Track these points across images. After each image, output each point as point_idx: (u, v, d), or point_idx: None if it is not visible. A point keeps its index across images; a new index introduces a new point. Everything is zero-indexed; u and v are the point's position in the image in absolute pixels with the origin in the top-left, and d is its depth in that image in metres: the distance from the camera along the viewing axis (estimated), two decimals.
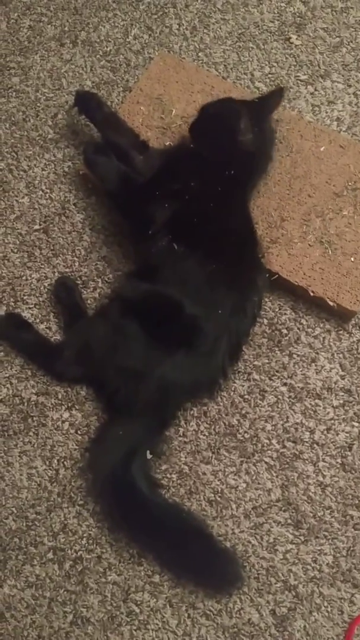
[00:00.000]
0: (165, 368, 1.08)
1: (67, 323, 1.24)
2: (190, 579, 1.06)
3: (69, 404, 1.19)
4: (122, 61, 1.48)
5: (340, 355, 1.21)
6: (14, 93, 1.46)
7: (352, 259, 1.22)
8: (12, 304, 1.27)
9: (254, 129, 1.20)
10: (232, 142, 1.19)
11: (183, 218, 1.14)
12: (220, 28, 1.51)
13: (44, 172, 1.37)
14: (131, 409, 1.11)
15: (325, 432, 1.15)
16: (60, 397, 1.20)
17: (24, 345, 1.23)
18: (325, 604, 1.06)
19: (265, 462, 1.14)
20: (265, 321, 1.24)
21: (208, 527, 1.09)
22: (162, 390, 1.09)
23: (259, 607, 1.06)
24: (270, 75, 1.45)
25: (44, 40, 1.53)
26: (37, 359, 1.22)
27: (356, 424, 1.16)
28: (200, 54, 1.48)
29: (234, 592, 1.06)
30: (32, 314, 1.26)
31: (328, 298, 1.19)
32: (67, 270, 1.29)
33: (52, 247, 1.31)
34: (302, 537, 1.10)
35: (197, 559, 1.06)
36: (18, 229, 1.33)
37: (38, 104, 1.44)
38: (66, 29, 1.54)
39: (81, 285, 1.28)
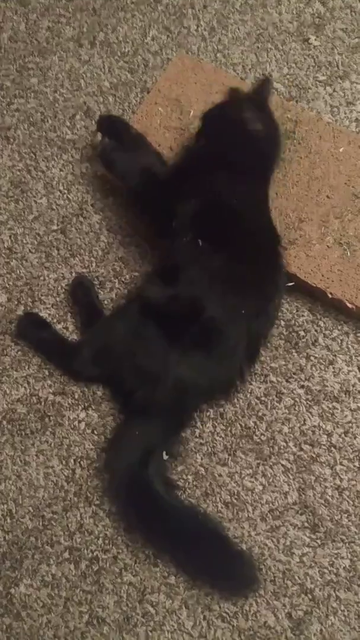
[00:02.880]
0: (183, 369, 1.08)
1: (84, 323, 1.24)
2: (205, 580, 1.06)
3: (86, 404, 1.20)
4: (140, 62, 1.48)
5: (359, 358, 1.20)
6: (33, 94, 1.47)
7: None
8: (30, 303, 1.27)
9: (260, 118, 1.21)
10: (243, 133, 1.20)
11: (206, 214, 1.14)
12: (238, 29, 1.50)
13: (61, 172, 1.38)
14: (148, 409, 1.11)
15: (342, 435, 1.15)
16: (77, 397, 1.20)
17: (42, 344, 1.23)
18: (342, 607, 1.06)
19: (282, 465, 1.13)
20: (283, 323, 1.23)
21: (224, 529, 1.09)
22: (179, 391, 1.09)
23: (275, 610, 1.06)
24: (288, 76, 1.44)
25: (62, 41, 1.54)
26: (54, 358, 1.22)
27: None
28: (218, 55, 1.47)
29: (249, 594, 1.06)
30: (49, 314, 1.26)
31: (346, 300, 1.19)
32: (84, 270, 1.30)
33: (69, 248, 1.32)
34: (319, 541, 1.09)
35: (212, 561, 1.06)
36: (36, 229, 1.33)
37: (56, 105, 1.45)
38: (84, 30, 1.55)
39: (98, 286, 1.28)
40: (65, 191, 1.36)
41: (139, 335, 1.11)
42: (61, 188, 1.37)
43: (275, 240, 1.18)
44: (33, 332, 1.24)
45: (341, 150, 1.30)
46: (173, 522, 1.06)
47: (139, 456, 1.09)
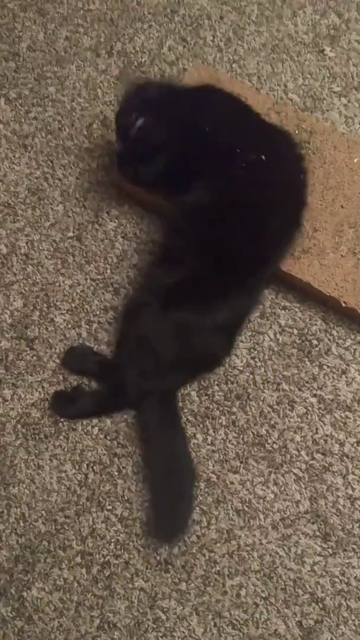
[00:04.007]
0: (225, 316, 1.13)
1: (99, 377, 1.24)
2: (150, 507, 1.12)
3: None
4: (157, 72, 1.50)
5: None
6: (50, 102, 1.49)
7: None
8: (45, 309, 1.29)
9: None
10: None
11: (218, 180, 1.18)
12: (254, 40, 1.52)
13: (78, 180, 1.39)
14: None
15: (355, 444, 1.15)
16: None
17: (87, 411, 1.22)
18: (353, 617, 1.06)
19: (294, 474, 1.14)
20: (296, 331, 1.24)
21: (193, 483, 1.13)
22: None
23: (286, 618, 1.06)
24: (303, 87, 1.45)
25: (80, 50, 1.56)
26: (108, 409, 1.22)
27: None
28: (234, 66, 1.49)
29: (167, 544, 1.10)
30: (64, 320, 1.28)
31: None
32: (99, 277, 1.31)
33: (84, 255, 1.33)
34: (330, 550, 1.09)
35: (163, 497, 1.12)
36: (52, 236, 1.35)
37: (73, 114, 1.47)
38: (102, 39, 1.57)
39: (112, 293, 1.29)
40: (82, 199, 1.38)
41: (176, 330, 1.13)
42: (77, 196, 1.38)
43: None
44: (69, 408, 1.22)
45: (355, 160, 1.31)
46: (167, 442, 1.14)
47: None
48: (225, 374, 1.21)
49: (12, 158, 1.43)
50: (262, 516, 1.12)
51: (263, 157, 1.17)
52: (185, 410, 1.19)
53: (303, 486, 1.13)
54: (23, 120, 1.47)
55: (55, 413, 1.20)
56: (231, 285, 1.13)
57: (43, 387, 1.23)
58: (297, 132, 1.33)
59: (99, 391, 1.23)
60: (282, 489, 1.13)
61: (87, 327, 1.27)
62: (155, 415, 1.16)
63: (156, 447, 1.15)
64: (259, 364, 1.22)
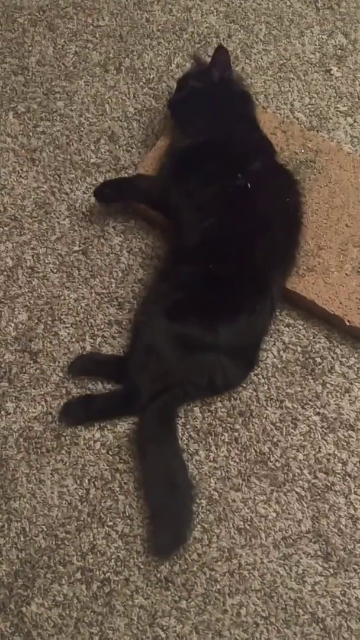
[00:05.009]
0: (233, 338, 1.14)
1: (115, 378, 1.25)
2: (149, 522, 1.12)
3: (101, 424, 1.20)
4: (165, 89, 1.51)
5: None
6: (59, 117, 1.51)
7: None
8: (50, 322, 1.29)
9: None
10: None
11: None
12: (261, 58, 1.53)
13: (85, 195, 1.40)
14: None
15: (358, 464, 1.15)
16: None
17: (98, 413, 1.22)
18: (354, 638, 1.05)
19: (296, 492, 1.13)
20: (299, 349, 1.24)
21: (194, 497, 1.13)
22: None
23: (286, 638, 1.05)
24: (310, 106, 1.47)
25: (89, 66, 1.58)
26: (118, 414, 1.22)
27: None
28: None
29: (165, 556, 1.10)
30: (68, 333, 1.28)
31: None
32: (104, 291, 1.31)
33: (90, 269, 1.34)
34: (331, 570, 1.08)
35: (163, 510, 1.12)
36: (58, 249, 1.36)
37: (81, 129, 1.48)
38: (111, 55, 1.58)
39: (117, 307, 1.30)
40: (88, 213, 1.39)
41: (183, 339, 1.14)
42: (84, 210, 1.39)
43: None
44: (81, 411, 1.22)
45: None
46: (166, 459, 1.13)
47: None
48: (229, 391, 1.21)
49: (20, 172, 1.44)
50: (263, 535, 1.11)
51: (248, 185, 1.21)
52: (188, 427, 1.19)
53: (305, 505, 1.13)
54: (31, 134, 1.49)
55: (65, 423, 1.21)
56: (234, 308, 1.14)
57: (46, 401, 1.23)
58: (303, 151, 1.34)
59: (110, 394, 1.23)
60: (284, 507, 1.13)
61: (92, 340, 1.28)
62: (152, 431, 1.17)
63: (153, 463, 1.15)
64: (262, 380, 1.22)
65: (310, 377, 1.22)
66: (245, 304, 1.15)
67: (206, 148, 1.26)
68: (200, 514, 1.13)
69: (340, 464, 1.15)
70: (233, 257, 1.16)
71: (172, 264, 1.26)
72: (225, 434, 1.19)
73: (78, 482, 1.17)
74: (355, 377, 1.21)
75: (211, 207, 1.20)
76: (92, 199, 1.39)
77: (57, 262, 1.35)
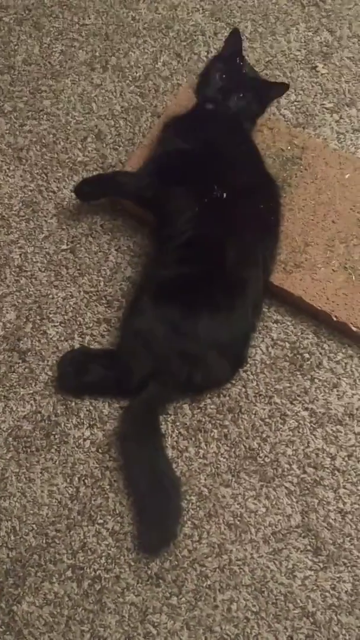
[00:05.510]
0: (214, 332, 1.14)
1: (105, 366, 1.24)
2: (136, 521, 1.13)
3: (91, 422, 1.21)
4: (151, 87, 1.52)
5: None
6: (45, 116, 1.50)
7: None
8: (38, 321, 1.29)
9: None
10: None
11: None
12: (248, 56, 1.53)
13: (72, 193, 1.40)
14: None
15: (346, 458, 1.15)
16: (82, 415, 1.21)
17: (89, 387, 1.23)
18: (344, 632, 1.05)
19: (286, 487, 1.14)
20: (288, 345, 1.24)
21: (178, 496, 1.13)
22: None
23: (277, 632, 1.05)
24: (296, 103, 1.47)
25: (75, 64, 1.57)
26: (108, 393, 1.23)
27: None
28: None
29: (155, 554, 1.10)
30: (57, 332, 1.28)
31: (351, 324, 1.20)
32: (92, 289, 1.31)
33: (78, 267, 1.34)
34: (321, 564, 1.09)
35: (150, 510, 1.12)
36: (46, 248, 1.36)
37: (68, 127, 1.48)
38: (97, 54, 1.58)
39: (105, 305, 1.30)
40: (75, 212, 1.39)
41: (166, 323, 1.14)
42: (71, 208, 1.39)
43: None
44: (74, 380, 1.23)
45: (347, 176, 1.32)
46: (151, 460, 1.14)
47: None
48: (212, 389, 1.22)
49: (7, 171, 1.44)
50: (253, 530, 1.12)
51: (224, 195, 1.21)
52: (178, 424, 1.19)
53: (294, 500, 1.13)
54: (18, 133, 1.48)
55: (62, 386, 1.22)
56: (212, 302, 1.15)
57: (35, 400, 1.23)
58: (289, 147, 1.34)
59: (104, 373, 1.22)
60: (274, 502, 1.13)
61: (80, 339, 1.28)
62: (133, 428, 1.17)
63: (135, 460, 1.16)
64: (251, 377, 1.22)
65: (298, 373, 1.23)
66: (222, 299, 1.15)
67: (193, 155, 1.26)
68: (190, 510, 1.13)
69: (329, 459, 1.16)
70: (207, 256, 1.16)
71: (159, 250, 1.28)
72: (215, 431, 1.19)
73: (68, 480, 1.17)
74: (342, 372, 1.22)
75: (188, 210, 1.21)
76: None
77: (45, 261, 1.35)
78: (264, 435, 1.18)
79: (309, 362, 1.23)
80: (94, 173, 1.42)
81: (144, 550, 1.10)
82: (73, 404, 1.22)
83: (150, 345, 1.15)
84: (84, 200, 1.36)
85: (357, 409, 1.19)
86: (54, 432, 1.20)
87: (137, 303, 1.21)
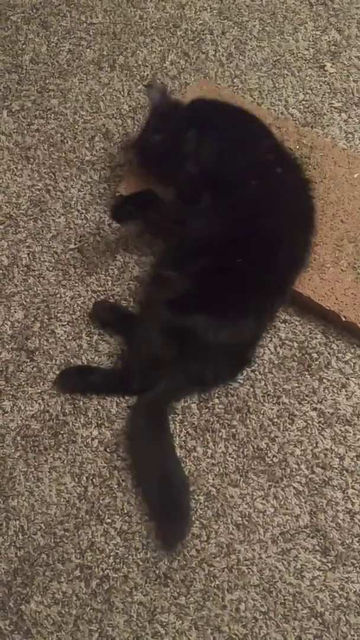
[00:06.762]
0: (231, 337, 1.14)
1: (123, 334, 1.26)
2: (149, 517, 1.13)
3: (99, 422, 1.21)
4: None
5: None
6: (53, 115, 1.50)
7: None
8: (46, 320, 1.29)
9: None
10: None
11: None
12: (255, 55, 1.53)
13: (80, 193, 1.40)
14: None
15: (355, 459, 1.15)
16: (90, 414, 1.21)
17: (94, 388, 1.24)
18: (352, 632, 1.05)
19: (294, 488, 1.14)
20: (296, 345, 1.24)
21: (188, 491, 1.13)
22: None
23: (285, 633, 1.05)
24: (304, 102, 1.47)
25: (83, 63, 1.57)
26: (112, 393, 1.23)
27: None
28: (235, 80, 1.50)
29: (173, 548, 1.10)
30: (65, 331, 1.28)
31: None
32: (100, 289, 1.31)
33: (86, 266, 1.34)
34: (329, 564, 1.09)
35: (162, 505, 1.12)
36: (54, 247, 1.36)
37: (76, 126, 1.48)
38: (105, 53, 1.58)
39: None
40: (83, 211, 1.39)
41: (177, 334, 1.15)
42: (79, 208, 1.39)
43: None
44: (78, 382, 1.24)
45: (355, 176, 1.32)
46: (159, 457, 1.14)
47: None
48: (226, 387, 1.22)
49: (15, 170, 1.44)
50: (261, 530, 1.11)
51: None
52: (186, 423, 1.19)
53: (303, 500, 1.13)
54: (25, 132, 1.48)
55: (62, 389, 1.23)
56: (244, 309, 1.15)
57: (43, 399, 1.23)
58: (297, 147, 1.34)
59: (109, 371, 1.24)
60: (282, 503, 1.13)
61: (88, 338, 1.28)
62: (141, 426, 1.17)
63: (143, 458, 1.16)
64: (259, 377, 1.22)
65: (307, 373, 1.22)
66: (255, 306, 1.16)
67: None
68: (199, 510, 1.13)
69: (337, 459, 1.15)
70: (255, 257, 1.15)
71: (181, 254, 1.25)
72: (223, 430, 1.19)
73: (76, 479, 1.17)
74: (351, 372, 1.22)
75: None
76: (88, 197, 1.39)
77: (53, 260, 1.35)
78: (272, 435, 1.18)
79: (317, 362, 1.23)
80: (102, 172, 1.42)
81: (161, 547, 1.11)
82: (81, 403, 1.22)
83: (158, 350, 1.16)
84: (123, 222, 1.32)
85: None
86: (62, 431, 1.20)
87: (152, 306, 1.21)
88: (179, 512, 1.11)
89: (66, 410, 1.22)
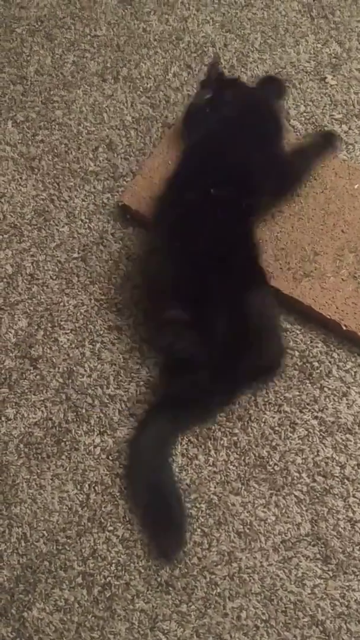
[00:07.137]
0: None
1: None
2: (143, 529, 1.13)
3: (102, 429, 1.21)
4: (162, 98, 1.53)
5: None
6: (57, 126, 1.52)
7: None
8: (50, 328, 1.30)
9: None
10: None
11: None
12: (257, 67, 1.55)
13: (83, 202, 1.42)
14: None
15: (356, 467, 1.16)
16: (92, 422, 1.22)
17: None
18: None
19: (295, 496, 1.14)
20: (297, 353, 1.25)
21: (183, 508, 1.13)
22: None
23: None
24: (305, 114, 1.49)
25: (87, 75, 1.59)
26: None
27: None
28: None
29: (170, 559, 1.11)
30: (68, 339, 1.29)
31: None
32: (103, 297, 1.33)
33: (89, 275, 1.35)
34: (330, 573, 1.09)
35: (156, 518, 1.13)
36: (57, 256, 1.37)
37: (80, 137, 1.50)
38: (108, 65, 1.60)
39: (116, 313, 1.31)
40: (87, 220, 1.40)
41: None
42: (83, 217, 1.41)
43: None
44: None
45: (356, 186, 1.33)
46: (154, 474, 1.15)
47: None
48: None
49: (19, 180, 1.46)
50: (263, 538, 1.12)
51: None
52: (187, 431, 1.20)
53: (304, 508, 1.13)
54: (30, 142, 1.50)
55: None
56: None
57: (46, 407, 1.24)
58: None
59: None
60: (283, 511, 1.13)
61: (91, 346, 1.29)
62: (146, 455, 1.18)
63: (139, 471, 1.17)
64: (260, 385, 1.23)
65: (308, 382, 1.23)
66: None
67: None
68: (200, 517, 1.13)
69: (338, 467, 1.16)
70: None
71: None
72: (225, 438, 1.19)
73: (78, 487, 1.17)
74: (352, 381, 1.22)
75: None
76: (91, 206, 1.41)
77: (57, 269, 1.36)
78: (274, 444, 1.19)
79: (318, 371, 1.24)
80: (106, 182, 1.44)
81: (157, 556, 1.11)
82: (84, 410, 1.23)
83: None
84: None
85: None
86: (64, 439, 1.21)
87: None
88: (173, 524, 1.12)
89: (69, 418, 1.22)
